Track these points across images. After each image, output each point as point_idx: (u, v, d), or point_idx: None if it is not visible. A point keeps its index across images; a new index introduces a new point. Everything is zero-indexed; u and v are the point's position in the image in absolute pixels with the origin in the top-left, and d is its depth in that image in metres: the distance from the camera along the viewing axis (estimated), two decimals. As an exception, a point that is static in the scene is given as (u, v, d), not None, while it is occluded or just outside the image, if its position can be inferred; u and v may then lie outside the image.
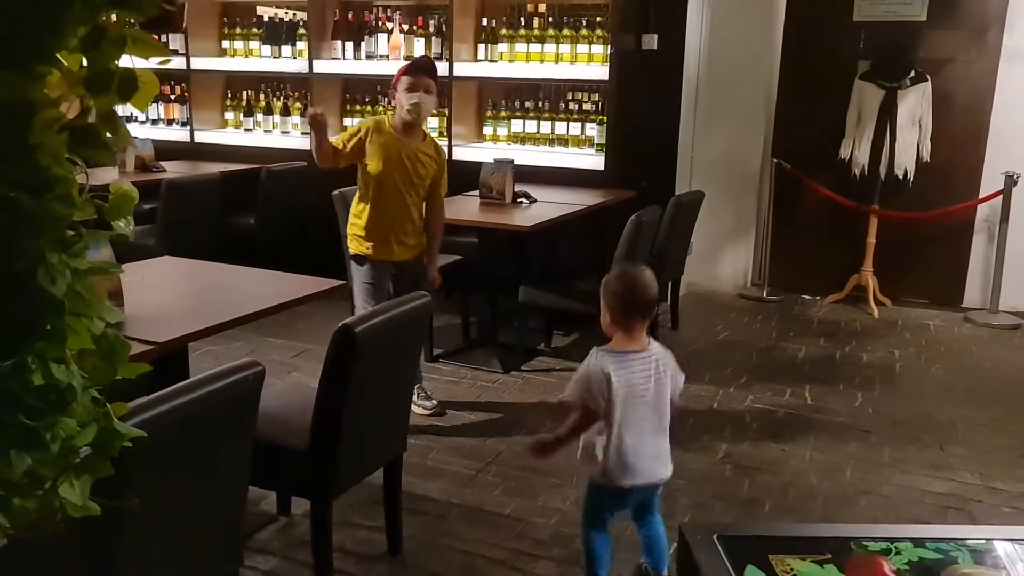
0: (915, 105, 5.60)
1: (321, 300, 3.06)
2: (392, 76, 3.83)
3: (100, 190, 1.18)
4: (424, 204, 3.88)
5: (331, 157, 3.73)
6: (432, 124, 5.90)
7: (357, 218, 3.85)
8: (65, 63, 1.06)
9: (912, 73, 5.59)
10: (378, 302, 3.64)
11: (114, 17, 1.04)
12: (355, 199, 3.89)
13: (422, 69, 3.76)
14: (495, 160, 4.98)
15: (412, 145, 3.77)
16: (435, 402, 4.04)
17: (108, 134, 1.02)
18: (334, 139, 3.80)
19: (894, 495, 3.36)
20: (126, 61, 1.05)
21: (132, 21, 1.05)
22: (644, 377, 2.46)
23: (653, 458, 2.51)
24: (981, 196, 5.74)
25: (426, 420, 3.93)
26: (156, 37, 1.10)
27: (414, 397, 3.94)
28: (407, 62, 3.94)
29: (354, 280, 3.89)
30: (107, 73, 1.01)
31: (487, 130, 5.88)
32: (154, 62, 1.05)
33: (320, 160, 3.72)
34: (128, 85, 1.01)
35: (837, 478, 3.49)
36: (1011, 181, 5.52)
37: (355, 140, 3.75)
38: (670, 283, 5.38)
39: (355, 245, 3.86)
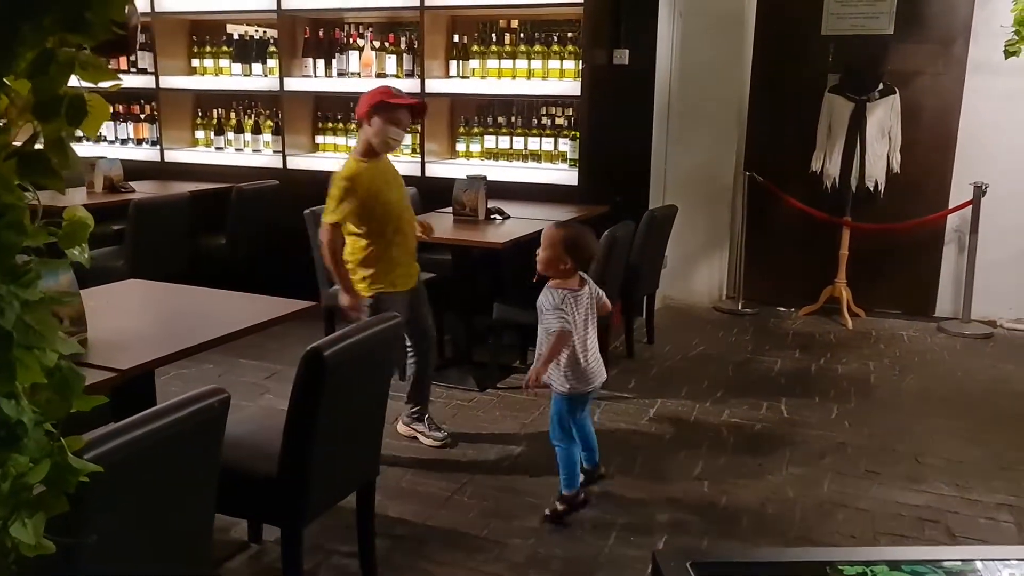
0: (884, 117, 5.66)
1: (294, 321, 3.02)
2: (369, 92, 3.66)
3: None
4: None
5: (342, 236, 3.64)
6: (405, 140, 5.87)
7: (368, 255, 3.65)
8: (12, 87, 1.02)
9: (881, 86, 5.65)
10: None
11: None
12: (362, 243, 3.64)
13: (415, 111, 3.69)
14: (468, 177, 4.96)
15: (384, 164, 3.74)
16: (445, 433, 3.88)
17: (56, 160, 0.99)
18: (328, 219, 3.58)
19: (871, 508, 3.36)
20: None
21: (83, 45, 1.02)
22: (589, 307, 3.24)
23: (599, 364, 3.29)
24: (951, 206, 5.80)
25: (403, 442, 3.88)
26: (108, 61, 1.07)
27: (424, 428, 3.88)
28: (399, 90, 3.69)
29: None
30: (55, 98, 0.98)
31: (460, 146, 5.86)
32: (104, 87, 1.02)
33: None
34: (77, 111, 0.98)
35: (814, 492, 3.48)
36: (979, 191, 5.58)
37: (351, 203, 3.55)
38: (645, 297, 5.38)
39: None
